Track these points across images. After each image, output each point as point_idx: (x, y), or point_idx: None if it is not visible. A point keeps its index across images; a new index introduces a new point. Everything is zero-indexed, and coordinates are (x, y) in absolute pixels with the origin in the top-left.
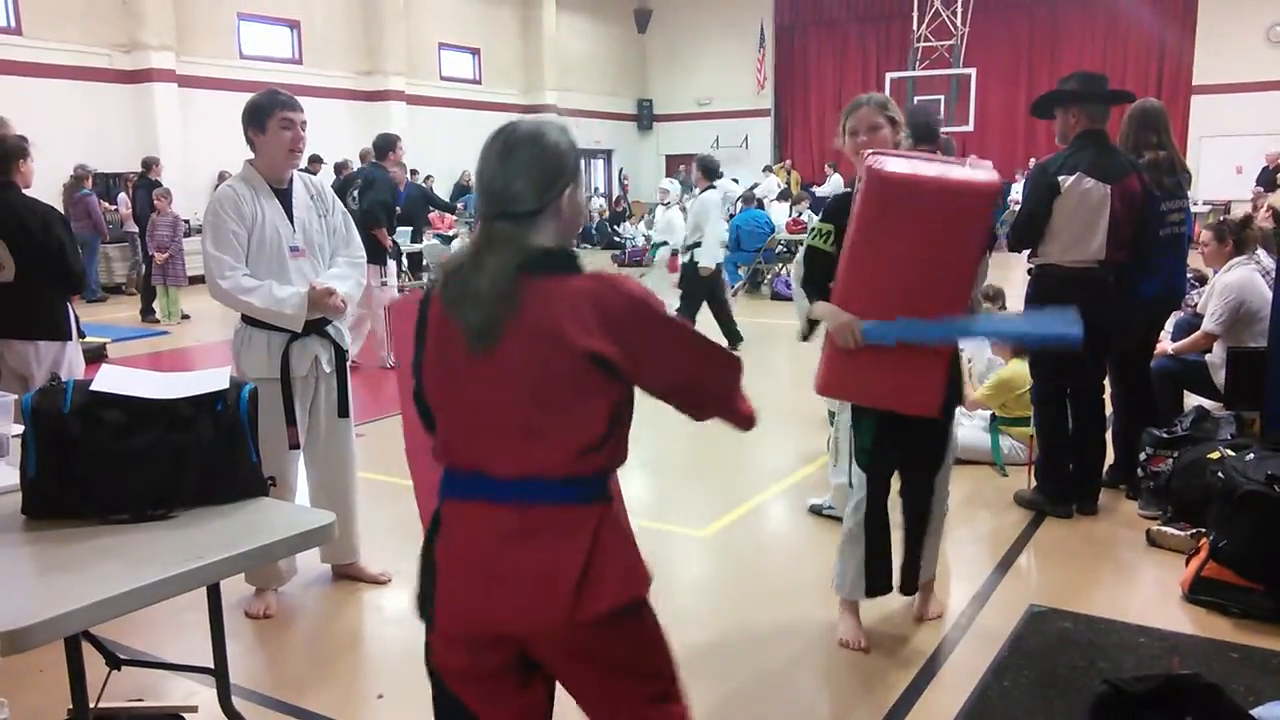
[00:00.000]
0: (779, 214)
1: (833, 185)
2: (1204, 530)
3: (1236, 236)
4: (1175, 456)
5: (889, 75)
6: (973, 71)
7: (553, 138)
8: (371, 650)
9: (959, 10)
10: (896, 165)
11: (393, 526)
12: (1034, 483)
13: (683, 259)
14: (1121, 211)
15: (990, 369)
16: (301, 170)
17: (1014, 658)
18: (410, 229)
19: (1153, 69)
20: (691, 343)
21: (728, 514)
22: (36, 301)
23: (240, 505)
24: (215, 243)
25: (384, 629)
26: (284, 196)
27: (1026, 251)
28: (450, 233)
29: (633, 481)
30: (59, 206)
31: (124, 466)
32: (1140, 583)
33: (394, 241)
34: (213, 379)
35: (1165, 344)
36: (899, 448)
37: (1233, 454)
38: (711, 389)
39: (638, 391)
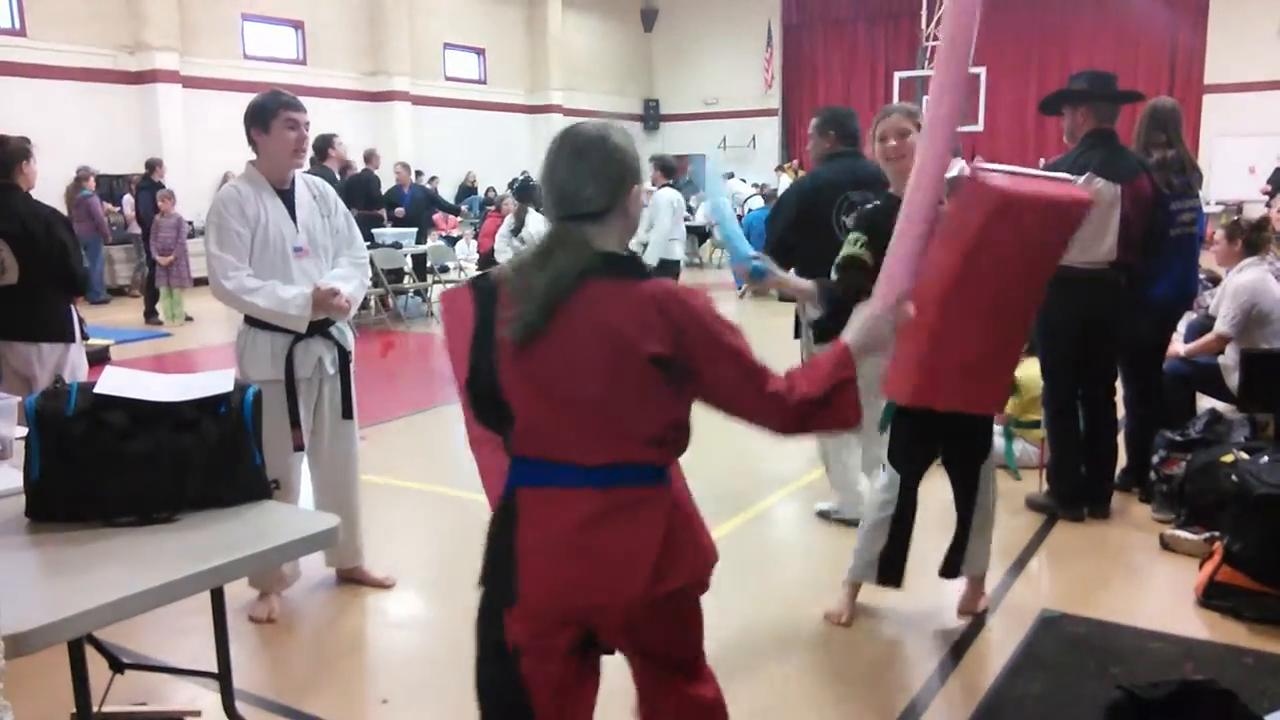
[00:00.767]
0: None
1: None
2: (1218, 534)
3: (1247, 238)
4: (1189, 459)
5: (898, 75)
6: (982, 71)
7: (617, 140)
8: (376, 654)
9: None
10: (1005, 181)
11: (396, 530)
12: (1046, 486)
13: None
14: (1132, 212)
15: None
16: (305, 172)
17: (1026, 663)
18: (415, 230)
19: (1164, 68)
20: (738, 366)
21: (736, 517)
22: (40, 303)
23: (244, 508)
24: (219, 243)
25: (388, 633)
26: (287, 197)
27: None
28: (455, 234)
29: None
30: (63, 209)
31: (127, 469)
32: (1153, 587)
33: None
34: (217, 381)
35: (1177, 346)
36: (943, 443)
37: (1247, 457)
38: (742, 413)
39: None
